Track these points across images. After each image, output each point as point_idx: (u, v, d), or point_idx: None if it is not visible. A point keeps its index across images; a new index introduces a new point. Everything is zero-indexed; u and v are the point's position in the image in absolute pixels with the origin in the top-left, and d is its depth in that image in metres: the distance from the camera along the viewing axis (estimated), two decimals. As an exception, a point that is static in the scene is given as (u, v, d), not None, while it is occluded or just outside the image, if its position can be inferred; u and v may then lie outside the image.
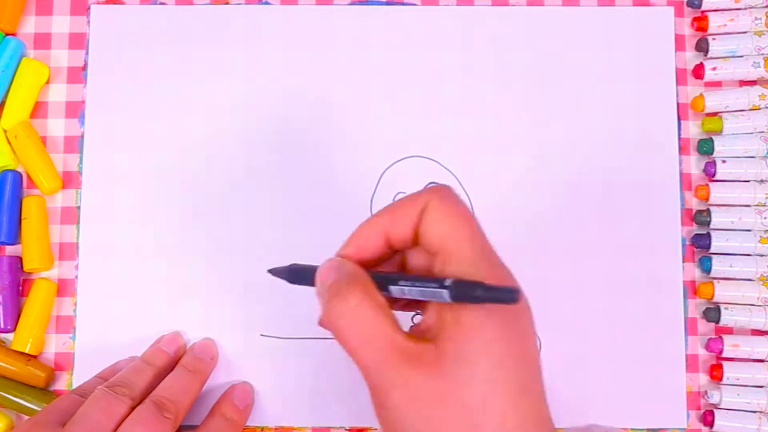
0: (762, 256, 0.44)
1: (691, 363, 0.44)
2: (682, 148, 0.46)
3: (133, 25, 0.46)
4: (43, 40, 0.46)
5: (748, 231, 0.44)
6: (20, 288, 0.44)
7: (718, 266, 0.44)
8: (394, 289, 0.31)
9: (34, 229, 0.44)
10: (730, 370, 0.43)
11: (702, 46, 0.46)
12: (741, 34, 0.46)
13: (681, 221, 0.45)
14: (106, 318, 0.44)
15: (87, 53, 0.46)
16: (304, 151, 0.45)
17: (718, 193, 0.44)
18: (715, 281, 0.44)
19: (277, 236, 0.45)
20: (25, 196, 0.45)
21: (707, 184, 0.45)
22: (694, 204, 0.46)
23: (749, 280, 0.44)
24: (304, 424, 0.44)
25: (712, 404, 0.44)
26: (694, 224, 0.45)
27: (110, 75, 0.46)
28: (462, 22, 0.46)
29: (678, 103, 0.46)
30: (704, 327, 0.45)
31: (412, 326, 0.33)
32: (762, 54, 0.45)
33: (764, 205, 0.44)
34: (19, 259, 0.44)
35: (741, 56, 0.45)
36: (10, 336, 0.44)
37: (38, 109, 0.46)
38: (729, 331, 0.45)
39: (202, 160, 0.45)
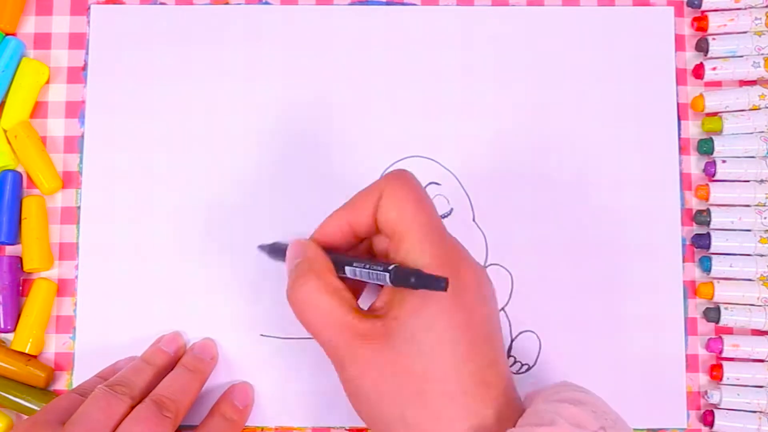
0: (762, 256, 0.44)
1: (691, 363, 0.44)
2: (682, 148, 0.46)
3: (133, 25, 0.46)
4: (43, 40, 0.46)
5: (748, 231, 0.44)
6: (20, 288, 0.44)
7: (718, 266, 0.44)
8: (348, 270, 0.35)
9: (34, 229, 0.44)
10: (730, 370, 0.43)
11: (702, 46, 0.46)
12: (741, 34, 0.46)
13: (681, 221, 0.45)
14: (106, 318, 0.44)
15: (87, 53, 0.46)
16: (304, 151, 0.45)
17: (718, 193, 0.44)
18: (715, 281, 0.44)
19: (277, 236, 0.44)
20: (25, 196, 0.45)
21: (707, 184, 0.45)
22: (694, 204, 0.46)
23: (749, 280, 0.44)
24: (304, 424, 0.44)
25: (712, 404, 0.44)
26: (694, 224, 0.45)
27: (110, 75, 0.46)
28: (462, 22, 0.46)
29: (678, 103, 0.46)
30: (704, 327, 0.45)
31: (371, 305, 0.36)
32: (762, 54, 0.45)
33: (764, 205, 0.44)
34: (19, 259, 0.44)
35: (741, 56, 0.45)
36: (10, 336, 0.44)
37: (38, 109, 0.46)
38: (729, 331, 0.45)
39: (202, 160, 0.45)
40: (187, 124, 0.45)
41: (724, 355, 0.44)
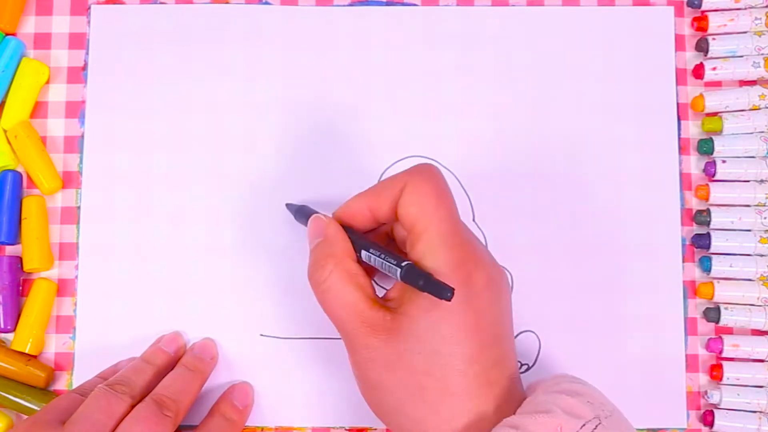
0: (762, 256, 0.44)
1: (691, 363, 0.44)
2: (682, 148, 0.46)
3: (133, 25, 0.46)
4: (43, 40, 0.46)
5: (748, 231, 0.44)
6: (20, 288, 0.44)
7: (718, 266, 0.44)
8: (364, 255, 0.36)
9: (34, 229, 0.44)
10: (730, 370, 0.43)
11: (702, 46, 0.46)
12: (741, 34, 0.46)
13: (681, 221, 0.45)
14: (106, 318, 0.44)
15: (87, 53, 0.46)
16: (304, 150, 0.45)
17: (718, 193, 0.44)
18: (715, 281, 0.44)
19: (278, 236, 0.45)
20: (25, 196, 0.45)
21: (707, 184, 0.45)
22: (694, 204, 0.46)
23: (749, 280, 0.44)
24: (304, 424, 0.44)
25: (712, 404, 0.44)
26: (694, 224, 0.45)
27: (110, 75, 0.46)
28: (462, 22, 0.46)
29: (678, 103, 0.46)
30: (704, 327, 0.45)
31: (385, 293, 0.37)
32: (762, 54, 0.45)
33: (764, 205, 0.44)
34: (19, 259, 0.44)
35: (741, 56, 0.45)
36: (10, 336, 0.44)
37: (38, 109, 0.46)
38: (729, 331, 0.45)
39: (202, 160, 0.45)
40: (187, 124, 0.45)
41: (724, 355, 0.44)
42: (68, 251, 0.45)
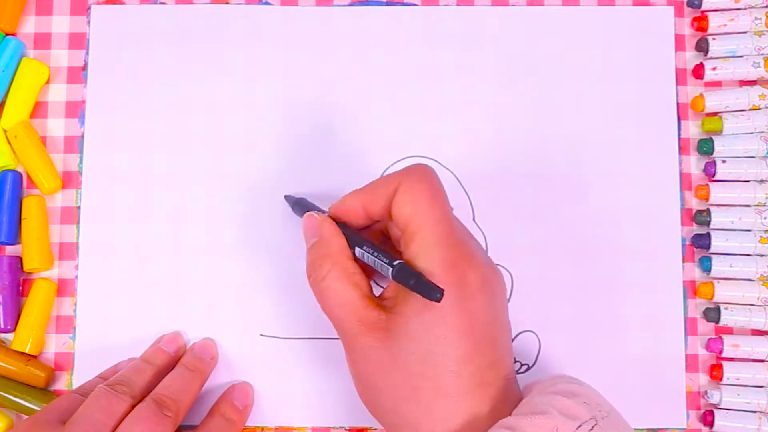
0: (762, 256, 0.44)
1: (691, 363, 0.44)
2: (682, 148, 0.46)
3: (133, 25, 0.46)
4: (43, 40, 0.46)
5: (748, 231, 0.44)
6: (20, 288, 0.44)
7: (718, 266, 0.44)
8: (358, 252, 0.36)
9: (34, 229, 0.44)
10: (730, 370, 0.43)
11: (702, 46, 0.46)
12: (741, 34, 0.46)
13: (681, 221, 0.45)
14: (106, 318, 0.44)
15: (87, 53, 0.46)
16: (304, 151, 0.45)
17: (718, 193, 0.44)
18: (715, 281, 0.44)
19: (278, 236, 0.45)
20: (25, 196, 0.45)
21: (707, 184, 0.45)
22: (694, 204, 0.46)
23: (749, 280, 0.44)
24: (304, 424, 0.44)
25: (712, 404, 0.44)
26: (694, 224, 0.45)
27: (110, 75, 0.46)
28: (462, 22, 0.46)
29: (678, 103, 0.46)
30: (704, 327, 0.45)
31: (382, 292, 0.37)
32: (762, 54, 0.45)
33: (764, 205, 0.44)
34: (19, 259, 0.44)
35: (741, 56, 0.45)
36: (10, 336, 0.44)
37: (38, 109, 0.46)
38: (729, 331, 0.45)
39: (202, 160, 0.45)
40: (187, 124, 0.45)
41: (724, 355, 0.44)
42: (68, 251, 0.45)
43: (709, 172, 0.45)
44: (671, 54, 0.46)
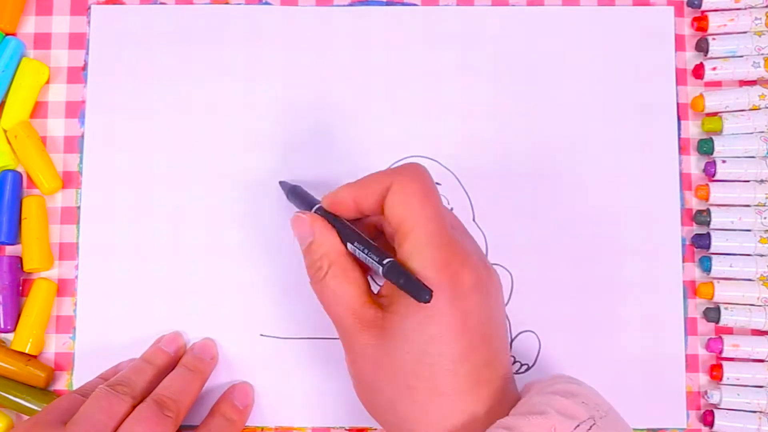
0: (762, 256, 0.44)
1: (691, 363, 0.44)
2: (682, 148, 0.46)
3: (133, 25, 0.46)
4: (43, 40, 0.46)
5: (748, 231, 0.44)
6: (20, 288, 0.44)
7: (718, 266, 0.44)
8: (349, 247, 0.36)
9: (34, 229, 0.44)
10: (730, 370, 0.43)
11: (702, 46, 0.46)
12: (741, 34, 0.46)
13: (681, 221, 0.45)
14: (106, 318, 0.44)
15: (87, 53, 0.46)
16: (304, 151, 0.45)
17: (718, 193, 0.44)
18: (715, 281, 0.44)
19: (278, 236, 0.45)
20: (25, 196, 0.45)
21: (707, 184, 0.45)
22: (694, 204, 0.46)
23: (749, 280, 0.44)
24: (304, 424, 0.44)
25: (712, 404, 0.44)
26: (694, 224, 0.45)
27: (110, 75, 0.46)
28: (462, 22, 0.46)
29: (678, 103, 0.46)
30: (704, 327, 0.45)
31: (379, 289, 0.37)
32: (762, 54, 0.45)
33: (764, 205, 0.44)
34: (19, 259, 0.44)
35: (741, 56, 0.45)
36: (10, 336, 0.44)
37: (38, 109, 0.46)
38: (729, 331, 0.45)
39: (202, 160, 0.45)
40: (187, 124, 0.45)
41: (724, 355, 0.44)
42: (68, 251, 0.45)
43: (709, 172, 0.45)
44: (671, 54, 0.46)
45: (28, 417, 0.42)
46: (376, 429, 0.44)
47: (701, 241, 0.44)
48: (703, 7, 0.46)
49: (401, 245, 0.35)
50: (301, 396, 0.44)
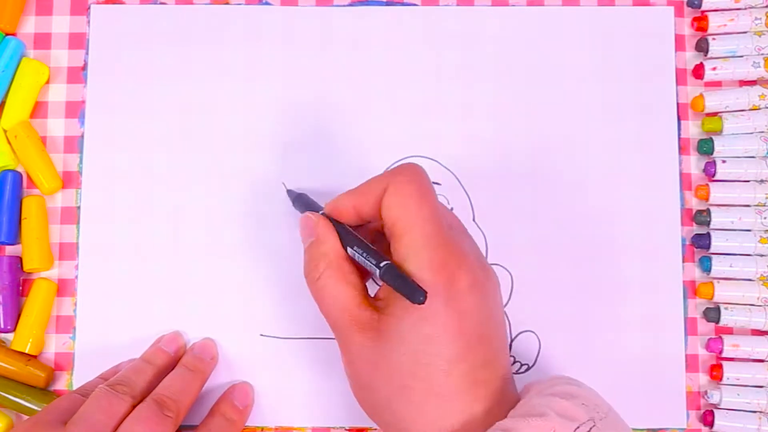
0: (762, 256, 0.44)
1: (691, 363, 0.44)
2: (682, 148, 0.46)
3: (133, 25, 0.46)
4: (43, 40, 0.46)
5: (748, 231, 0.44)
6: (20, 288, 0.44)
7: (718, 266, 0.44)
8: (349, 251, 0.36)
9: (34, 229, 0.44)
10: (730, 370, 0.43)
11: (702, 46, 0.46)
12: (741, 34, 0.46)
13: (681, 221, 0.45)
14: (106, 318, 0.44)
15: (87, 53, 0.46)
16: (304, 151, 0.45)
17: (718, 193, 0.44)
18: (715, 281, 0.44)
19: (278, 236, 0.45)
20: (25, 196, 0.45)
21: (707, 184, 0.45)
22: (694, 204, 0.46)
23: (749, 280, 0.44)
24: (304, 424, 0.44)
25: (712, 404, 0.44)
26: (694, 224, 0.45)
27: (110, 75, 0.46)
28: (462, 22, 0.46)
29: (678, 103, 0.46)
30: (704, 327, 0.45)
31: (376, 292, 0.37)
32: (762, 54, 0.45)
33: (764, 205, 0.44)
34: (19, 259, 0.44)
35: (741, 56, 0.45)
36: (10, 336, 0.44)
37: (38, 109, 0.46)
38: (729, 331, 0.45)
39: (202, 160, 0.45)
40: (187, 124, 0.45)
41: (724, 355, 0.44)
42: (68, 251, 0.45)
43: (709, 172, 0.45)
44: (671, 54, 0.46)
45: (28, 417, 0.42)
46: (375, 429, 0.44)
47: (701, 241, 0.44)
48: (703, 7, 0.46)
49: (398, 247, 0.35)
50: (301, 396, 0.44)
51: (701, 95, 0.45)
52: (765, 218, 0.44)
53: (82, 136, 0.45)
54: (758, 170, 0.44)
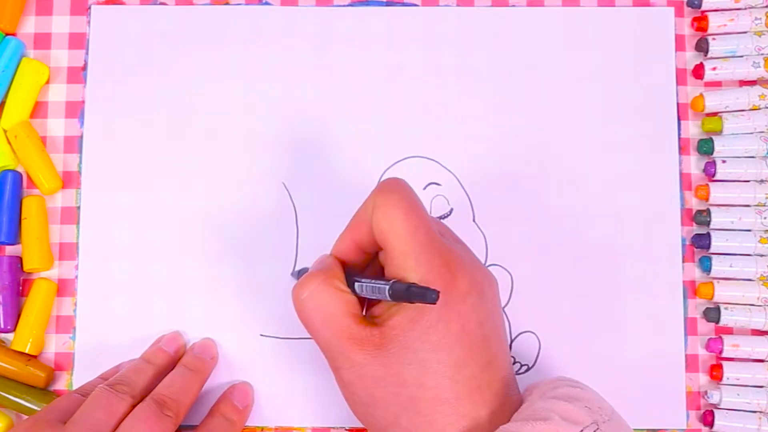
0: (762, 256, 0.44)
1: (691, 363, 0.44)
2: (682, 148, 0.46)
3: (133, 25, 0.46)
4: (43, 40, 0.46)
5: (748, 231, 0.44)
6: (20, 288, 0.44)
7: (718, 266, 0.44)
8: (357, 286, 0.35)
9: (34, 229, 0.44)
10: (730, 370, 0.43)
11: (702, 46, 0.46)
12: (741, 34, 0.46)
13: (681, 221, 0.45)
14: (106, 318, 0.44)
15: (87, 53, 0.46)
16: (304, 151, 0.45)
17: (718, 193, 0.44)
18: (715, 281, 0.44)
19: (277, 236, 0.45)
20: (25, 196, 0.45)
21: (707, 184, 0.45)
22: (694, 204, 0.46)
23: (749, 280, 0.44)
24: (304, 424, 0.44)
25: (712, 404, 0.44)
26: (694, 224, 0.45)
27: (110, 75, 0.46)
28: (462, 22, 0.46)
29: (678, 103, 0.46)
30: (704, 327, 0.45)
31: (370, 312, 0.36)
32: (762, 54, 0.45)
33: (764, 205, 0.44)
34: (19, 259, 0.44)
35: (741, 56, 0.45)
36: (10, 336, 0.44)
37: (38, 109, 0.46)
38: (729, 331, 0.45)
39: (202, 160, 0.45)
40: (187, 124, 0.45)
41: (724, 355, 0.44)
42: (68, 251, 0.45)
43: (709, 172, 0.45)
44: (671, 54, 0.46)
45: (28, 416, 0.42)
46: (376, 429, 0.44)
47: (701, 241, 0.44)
48: (703, 7, 0.46)
49: (393, 261, 0.34)
50: (301, 396, 0.44)
51: (701, 95, 0.45)
52: (765, 218, 0.44)
53: (82, 136, 0.45)
54: (758, 170, 0.44)
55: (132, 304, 0.44)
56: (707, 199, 0.45)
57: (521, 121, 0.46)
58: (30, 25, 0.46)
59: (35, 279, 0.44)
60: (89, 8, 0.46)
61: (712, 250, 0.44)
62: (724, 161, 0.45)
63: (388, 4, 0.47)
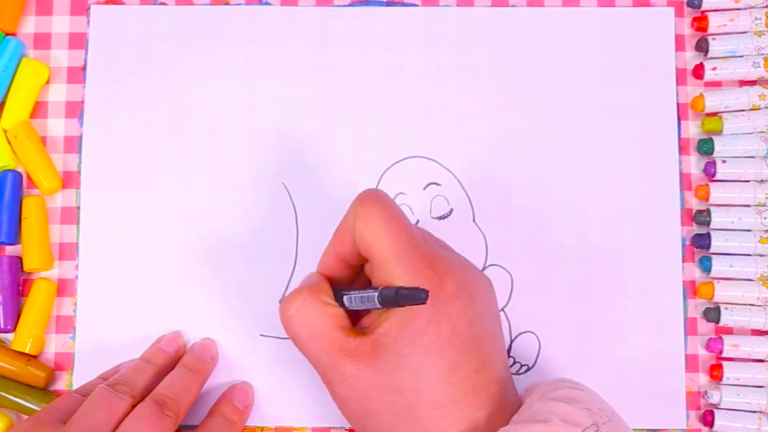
0: (762, 256, 0.44)
1: (691, 363, 0.44)
2: (682, 148, 0.46)
3: (133, 25, 0.46)
4: (43, 40, 0.46)
5: (748, 231, 0.44)
6: (20, 288, 0.44)
7: (718, 266, 0.44)
8: (345, 299, 0.35)
9: (34, 229, 0.44)
10: (730, 370, 0.43)
11: (702, 46, 0.46)
12: (741, 34, 0.46)
13: (681, 221, 0.45)
14: (106, 318, 0.44)
15: (87, 53, 0.46)
16: (304, 151, 0.45)
17: (718, 193, 0.44)
18: (715, 281, 0.44)
19: (277, 237, 0.45)
20: (25, 196, 0.45)
21: (707, 184, 0.45)
22: (694, 204, 0.46)
23: (749, 280, 0.44)
24: (304, 424, 0.44)
25: (712, 404, 0.44)
26: (694, 224, 0.45)
27: (110, 75, 0.46)
28: (462, 22, 0.46)
29: (678, 103, 0.46)
30: (704, 327, 0.45)
31: (358, 323, 0.36)
32: (762, 54, 0.45)
33: (764, 205, 0.44)
34: (19, 259, 0.44)
35: (741, 56, 0.45)
36: (10, 336, 0.44)
37: (38, 109, 0.46)
38: (729, 331, 0.45)
39: (202, 160, 0.45)
40: (187, 124, 0.45)
41: (724, 355, 0.44)
42: (68, 251, 0.45)
43: (709, 172, 0.45)
44: (671, 54, 0.46)
45: (28, 416, 0.42)
46: (376, 429, 0.44)
47: (701, 241, 0.44)
48: (703, 7, 0.46)
49: (378, 270, 0.34)
50: (301, 396, 0.44)
51: (701, 95, 0.45)
52: (765, 218, 0.44)
53: (82, 136, 0.45)
54: (758, 170, 0.44)
55: (132, 304, 0.44)
56: (707, 199, 0.45)
57: (521, 121, 0.46)
58: (30, 25, 0.46)
59: (35, 279, 0.44)
60: (89, 8, 0.46)
61: (712, 250, 0.44)
62: (724, 161, 0.45)
63: (388, 4, 0.47)
